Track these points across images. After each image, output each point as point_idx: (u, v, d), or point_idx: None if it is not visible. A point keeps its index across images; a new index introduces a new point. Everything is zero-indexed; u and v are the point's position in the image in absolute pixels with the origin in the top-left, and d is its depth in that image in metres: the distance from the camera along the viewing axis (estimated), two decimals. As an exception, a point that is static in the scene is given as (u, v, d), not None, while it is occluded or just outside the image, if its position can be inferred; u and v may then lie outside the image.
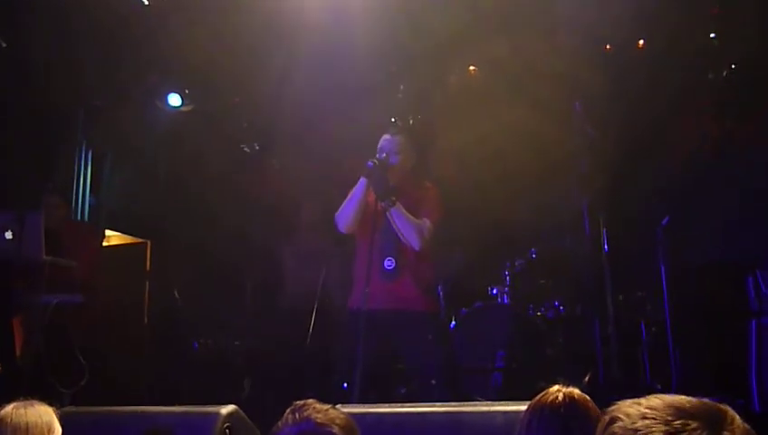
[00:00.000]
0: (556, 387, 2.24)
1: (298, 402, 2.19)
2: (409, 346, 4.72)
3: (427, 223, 4.67)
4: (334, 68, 6.65)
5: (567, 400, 2.19)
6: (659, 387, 5.63)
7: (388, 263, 4.67)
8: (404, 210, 4.61)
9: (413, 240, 4.60)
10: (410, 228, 4.60)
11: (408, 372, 5.34)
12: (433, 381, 4.60)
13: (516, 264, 6.54)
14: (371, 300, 4.37)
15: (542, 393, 2.25)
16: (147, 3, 6.00)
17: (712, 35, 6.62)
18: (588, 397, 2.22)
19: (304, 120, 7.38)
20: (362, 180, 4.67)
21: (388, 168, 4.64)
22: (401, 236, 4.61)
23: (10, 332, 5.34)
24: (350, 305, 4.79)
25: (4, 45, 5.99)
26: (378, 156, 4.70)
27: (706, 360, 5.81)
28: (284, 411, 2.17)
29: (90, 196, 7.34)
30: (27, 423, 2.43)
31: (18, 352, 5.26)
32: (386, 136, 4.84)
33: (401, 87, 7.49)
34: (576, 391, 2.22)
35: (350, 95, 6.99)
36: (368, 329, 4.27)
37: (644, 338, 6.04)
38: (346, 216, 4.77)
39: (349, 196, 4.76)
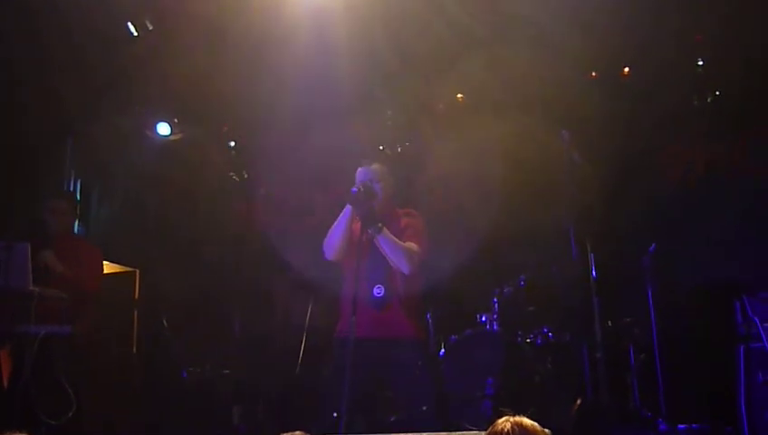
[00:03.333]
0: (504, 417, 2.27)
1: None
2: (399, 374, 4.67)
3: (414, 247, 4.64)
4: (321, 97, 6.68)
5: (516, 428, 2.20)
6: (649, 414, 5.63)
7: (377, 291, 4.63)
8: (391, 235, 4.60)
9: (402, 264, 4.57)
10: (399, 252, 4.57)
11: (398, 399, 5.29)
12: (424, 408, 4.56)
13: (505, 291, 6.54)
14: (360, 328, 4.32)
15: (492, 425, 2.27)
16: (136, 34, 6.03)
17: (697, 62, 6.70)
18: (537, 425, 2.25)
19: (292, 148, 7.40)
20: (348, 208, 4.65)
21: (372, 195, 4.63)
22: (391, 262, 4.58)
23: (-3, 363, 5.30)
24: (338, 334, 4.75)
25: None
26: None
27: (695, 385, 5.81)
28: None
29: (78, 225, 7.32)
30: (13, 456, 2.42)
31: (5, 384, 5.21)
32: (360, 169, 4.81)
33: (389, 114, 7.55)
34: (525, 420, 2.24)
35: (338, 123, 7.02)
36: (356, 357, 4.22)
37: (632, 364, 6.04)
38: (333, 243, 4.73)
39: (335, 223, 4.73)
